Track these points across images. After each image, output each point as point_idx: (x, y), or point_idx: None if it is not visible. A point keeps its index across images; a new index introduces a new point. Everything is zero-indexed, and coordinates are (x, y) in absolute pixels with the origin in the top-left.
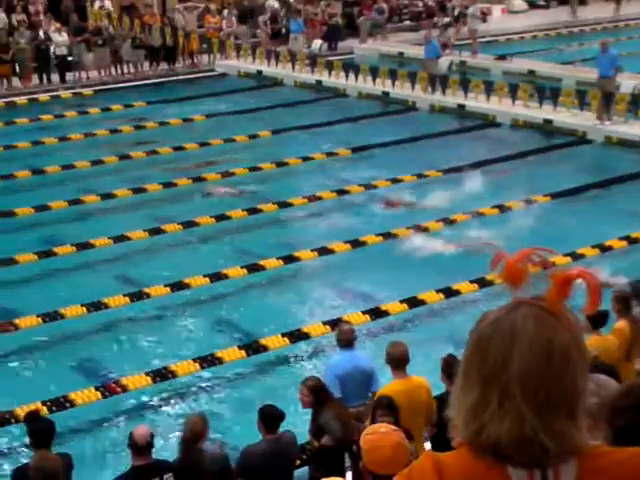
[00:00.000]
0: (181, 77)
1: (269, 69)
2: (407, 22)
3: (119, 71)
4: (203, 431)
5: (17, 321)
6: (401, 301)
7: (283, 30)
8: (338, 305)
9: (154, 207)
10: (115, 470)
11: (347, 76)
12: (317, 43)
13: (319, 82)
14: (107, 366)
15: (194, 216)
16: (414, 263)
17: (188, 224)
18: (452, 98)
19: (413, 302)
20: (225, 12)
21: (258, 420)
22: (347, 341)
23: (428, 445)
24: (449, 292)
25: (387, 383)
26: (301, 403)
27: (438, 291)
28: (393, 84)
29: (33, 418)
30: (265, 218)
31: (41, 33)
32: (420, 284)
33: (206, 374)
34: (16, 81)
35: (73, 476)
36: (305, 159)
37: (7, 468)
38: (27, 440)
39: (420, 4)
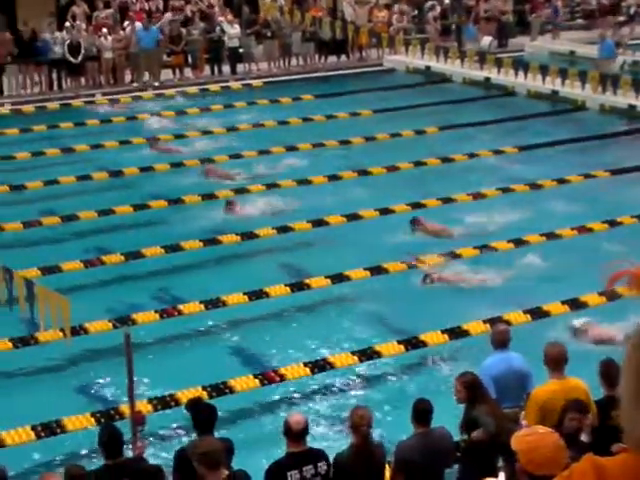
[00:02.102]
0: (349, 71)
1: (438, 65)
2: (579, 20)
3: (288, 63)
4: (369, 422)
5: (181, 307)
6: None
7: (453, 26)
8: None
9: (318, 199)
10: (271, 456)
11: (516, 74)
12: (487, 40)
13: (488, 79)
14: (266, 354)
15: (356, 208)
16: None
17: (351, 217)
18: (623, 98)
19: None
20: (395, 7)
21: (411, 413)
22: (501, 342)
23: None
24: None
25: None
26: (455, 399)
27: None
28: (563, 83)
29: (196, 404)
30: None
31: (215, 24)
32: None
33: (363, 367)
34: (188, 71)
35: (233, 460)
36: (471, 156)
37: (168, 451)
38: (188, 424)
39: (594, 2)
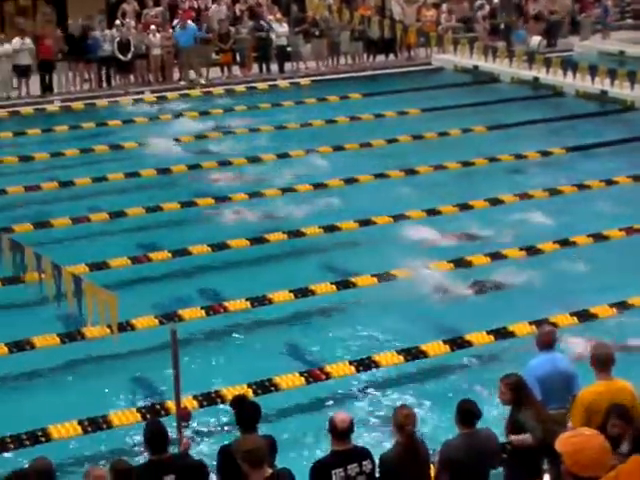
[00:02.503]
0: (397, 70)
1: (486, 64)
2: (629, 20)
3: (336, 62)
4: (414, 421)
5: (227, 304)
6: None
7: (502, 26)
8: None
9: (364, 198)
10: (315, 454)
11: (565, 74)
12: (536, 39)
13: (536, 79)
14: (312, 352)
15: (403, 208)
16: None
17: (398, 217)
18: None
19: None
20: (444, 6)
21: (455, 414)
22: (547, 342)
23: None
24: None
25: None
26: (500, 400)
27: None
28: (612, 83)
29: (240, 401)
30: (476, 213)
31: (263, 23)
32: None
33: (409, 367)
34: (236, 70)
35: (276, 458)
36: (518, 156)
37: (212, 447)
38: (232, 420)
39: None
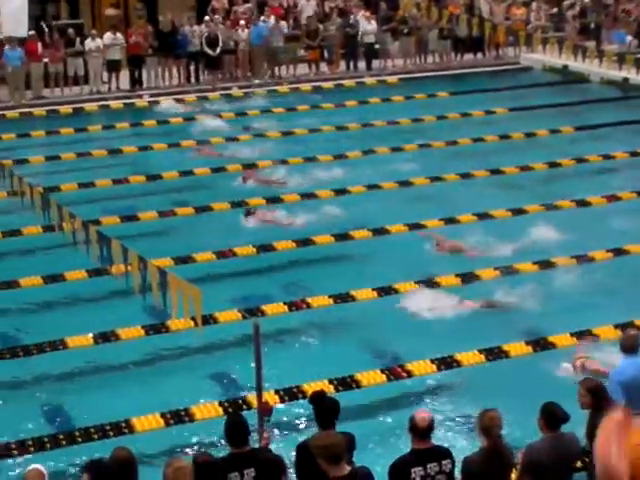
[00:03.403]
0: (485, 69)
1: (575, 64)
2: None
3: (424, 60)
4: (500, 424)
5: (309, 300)
6: None
7: (592, 25)
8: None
9: (449, 197)
10: (394, 452)
11: None
12: (627, 40)
13: (626, 80)
14: (394, 350)
15: (488, 208)
16: None
17: (482, 215)
18: None
19: None
20: (533, 5)
21: (540, 417)
22: (631, 347)
23: None
24: None
25: None
26: (579, 404)
27: None
28: None
29: (320, 397)
30: (563, 214)
31: (351, 20)
32: None
33: (491, 366)
34: (324, 66)
35: (354, 456)
36: (606, 157)
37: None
38: (312, 416)
39: None
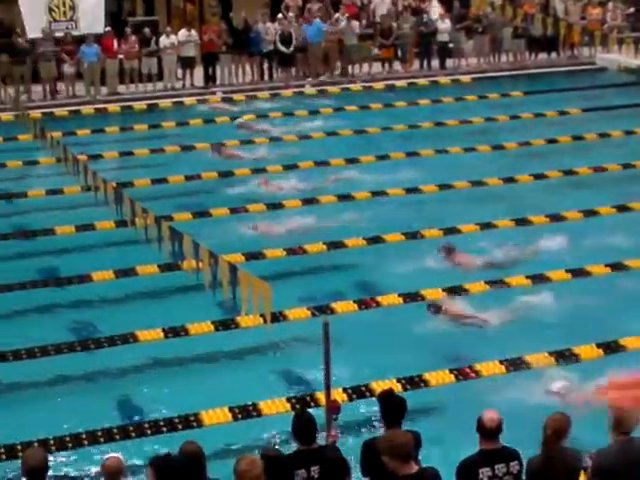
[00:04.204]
0: (560, 69)
1: None
2: None
3: (498, 59)
4: (567, 429)
5: (379, 298)
6: None
7: None
8: None
9: (521, 197)
10: (462, 452)
11: None
12: None
13: None
14: (463, 350)
15: (560, 209)
16: None
17: (554, 217)
18: None
19: None
20: (610, 4)
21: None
22: None
23: None
24: None
25: None
26: None
27: None
28: None
29: (388, 396)
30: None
31: (425, 19)
32: None
33: (561, 370)
34: (397, 65)
35: (420, 454)
36: None
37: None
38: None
39: None
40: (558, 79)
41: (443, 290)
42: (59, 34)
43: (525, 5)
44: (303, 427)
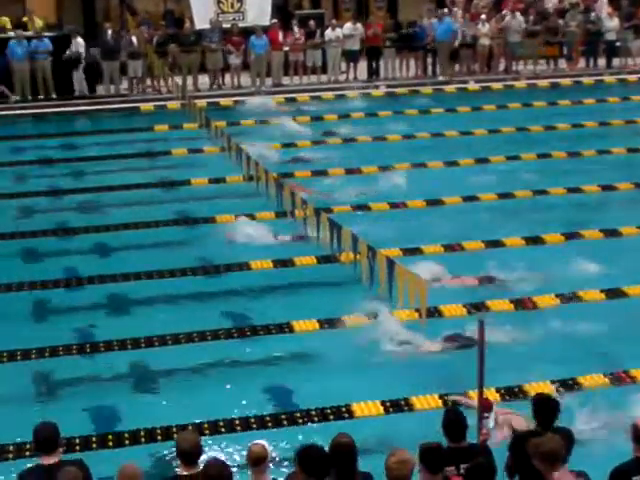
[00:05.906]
0: None
1: None
2: None
3: None
4: None
5: (535, 299)
6: None
7: None
8: None
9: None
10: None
11: None
12: None
13: None
14: (619, 352)
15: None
16: None
17: None
18: None
19: None
20: None
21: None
22: None
23: None
24: None
25: None
26: None
27: None
28: None
29: (542, 399)
30: None
31: (593, 17)
32: None
33: None
34: (562, 63)
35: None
36: None
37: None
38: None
39: None
40: None
41: (600, 292)
42: (226, 25)
43: None
44: (452, 424)
